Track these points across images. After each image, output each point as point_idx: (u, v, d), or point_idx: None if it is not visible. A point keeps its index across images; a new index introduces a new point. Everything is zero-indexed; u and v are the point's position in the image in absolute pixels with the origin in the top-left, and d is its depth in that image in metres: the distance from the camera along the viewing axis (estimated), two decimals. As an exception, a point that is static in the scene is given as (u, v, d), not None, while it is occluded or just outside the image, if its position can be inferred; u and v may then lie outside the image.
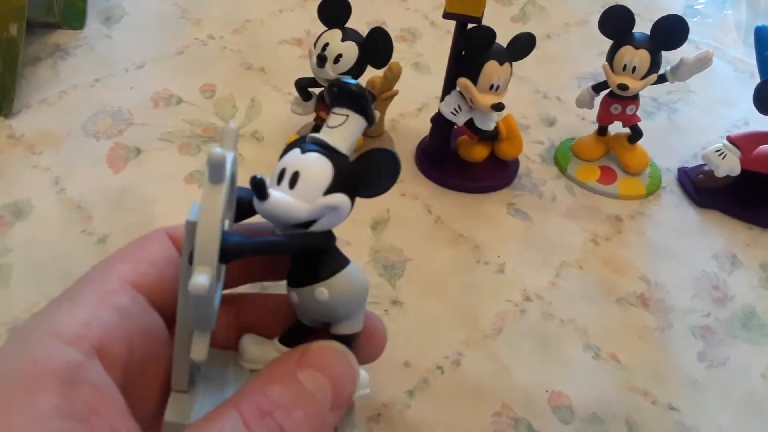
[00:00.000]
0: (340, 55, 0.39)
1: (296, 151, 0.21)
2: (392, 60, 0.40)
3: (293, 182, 0.20)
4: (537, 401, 0.34)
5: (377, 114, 0.44)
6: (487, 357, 0.36)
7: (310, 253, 0.21)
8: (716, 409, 0.35)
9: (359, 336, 0.23)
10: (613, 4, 0.62)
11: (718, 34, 0.61)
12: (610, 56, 0.43)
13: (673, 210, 0.45)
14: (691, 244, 0.43)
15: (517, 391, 0.35)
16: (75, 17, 0.55)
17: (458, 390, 0.35)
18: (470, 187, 0.45)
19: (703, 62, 0.41)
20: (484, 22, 0.39)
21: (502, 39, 0.40)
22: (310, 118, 0.45)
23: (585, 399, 0.35)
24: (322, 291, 0.21)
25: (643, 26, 0.42)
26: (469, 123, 0.42)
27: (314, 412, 0.20)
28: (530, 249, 0.42)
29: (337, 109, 0.22)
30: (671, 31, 0.40)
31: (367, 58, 0.40)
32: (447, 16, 0.38)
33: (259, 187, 0.19)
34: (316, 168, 0.21)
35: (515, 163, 0.46)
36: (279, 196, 0.20)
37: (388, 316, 0.37)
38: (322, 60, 0.39)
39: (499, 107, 0.40)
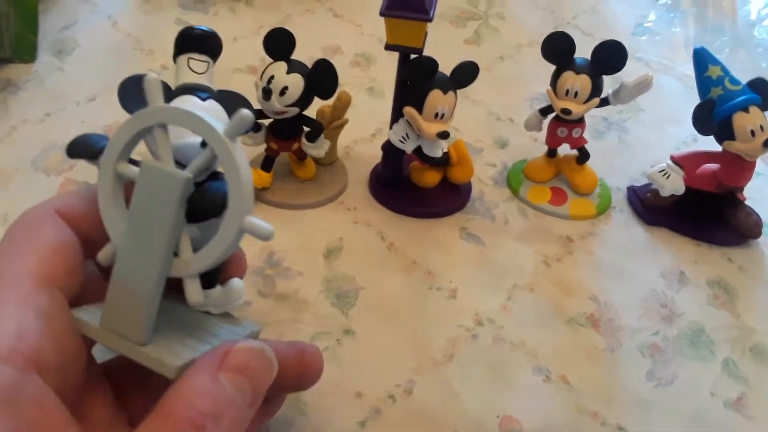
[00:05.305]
0: (285, 88, 0.40)
1: (193, 99, 0.25)
2: (347, 85, 0.40)
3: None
4: (488, 427, 0.35)
5: (327, 143, 0.44)
6: (439, 384, 0.36)
7: None
8: (664, 428, 0.35)
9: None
10: (564, 26, 0.64)
11: (666, 51, 0.63)
12: (553, 81, 0.43)
13: (623, 229, 0.46)
14: (640, 262, 0.44)
15: (468, 417, 0.35)
16: (26, 51, 0.55)
17: (410, 419, 0.35)
18: (423, 212, 0.45)
19: (642, 85, 0.42)
20: (439, 45, 0.40)
21: (456, 61, 0.41)
22: (260, 149, 0.45)
23: (535, 422, 0.35)
24: None
25: (593, 46, 0.42)
26: (418, 150, 0.43)
27: (237, 414, 0.21)
28: (482, 273, 0.42)
29: (194, 55, 0.26)
30: (610, 56, 0.41)
31: (313, 90, 0.40)
32: (389, 47, 0.39)
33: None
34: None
35: (468, 187, 0.47)
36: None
37: (340, 346, 0.38)
38: (267, 93, 0.39)
39: (444, 135, 0.40)
